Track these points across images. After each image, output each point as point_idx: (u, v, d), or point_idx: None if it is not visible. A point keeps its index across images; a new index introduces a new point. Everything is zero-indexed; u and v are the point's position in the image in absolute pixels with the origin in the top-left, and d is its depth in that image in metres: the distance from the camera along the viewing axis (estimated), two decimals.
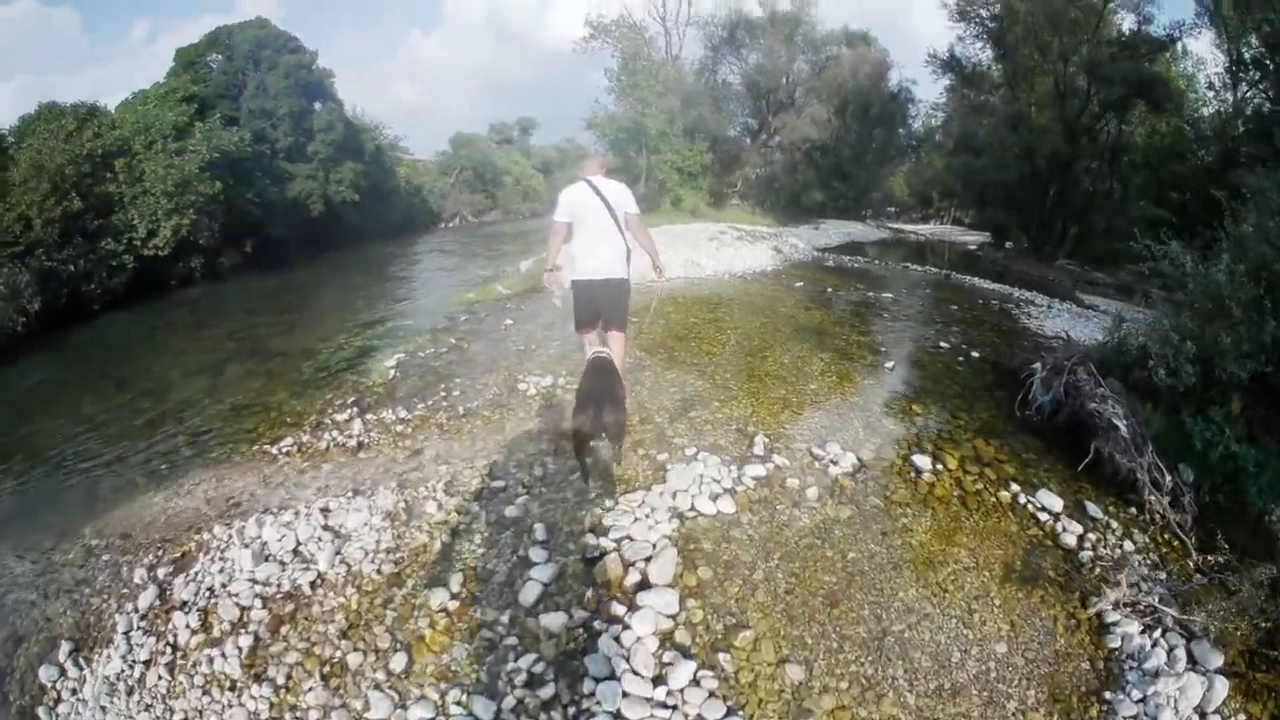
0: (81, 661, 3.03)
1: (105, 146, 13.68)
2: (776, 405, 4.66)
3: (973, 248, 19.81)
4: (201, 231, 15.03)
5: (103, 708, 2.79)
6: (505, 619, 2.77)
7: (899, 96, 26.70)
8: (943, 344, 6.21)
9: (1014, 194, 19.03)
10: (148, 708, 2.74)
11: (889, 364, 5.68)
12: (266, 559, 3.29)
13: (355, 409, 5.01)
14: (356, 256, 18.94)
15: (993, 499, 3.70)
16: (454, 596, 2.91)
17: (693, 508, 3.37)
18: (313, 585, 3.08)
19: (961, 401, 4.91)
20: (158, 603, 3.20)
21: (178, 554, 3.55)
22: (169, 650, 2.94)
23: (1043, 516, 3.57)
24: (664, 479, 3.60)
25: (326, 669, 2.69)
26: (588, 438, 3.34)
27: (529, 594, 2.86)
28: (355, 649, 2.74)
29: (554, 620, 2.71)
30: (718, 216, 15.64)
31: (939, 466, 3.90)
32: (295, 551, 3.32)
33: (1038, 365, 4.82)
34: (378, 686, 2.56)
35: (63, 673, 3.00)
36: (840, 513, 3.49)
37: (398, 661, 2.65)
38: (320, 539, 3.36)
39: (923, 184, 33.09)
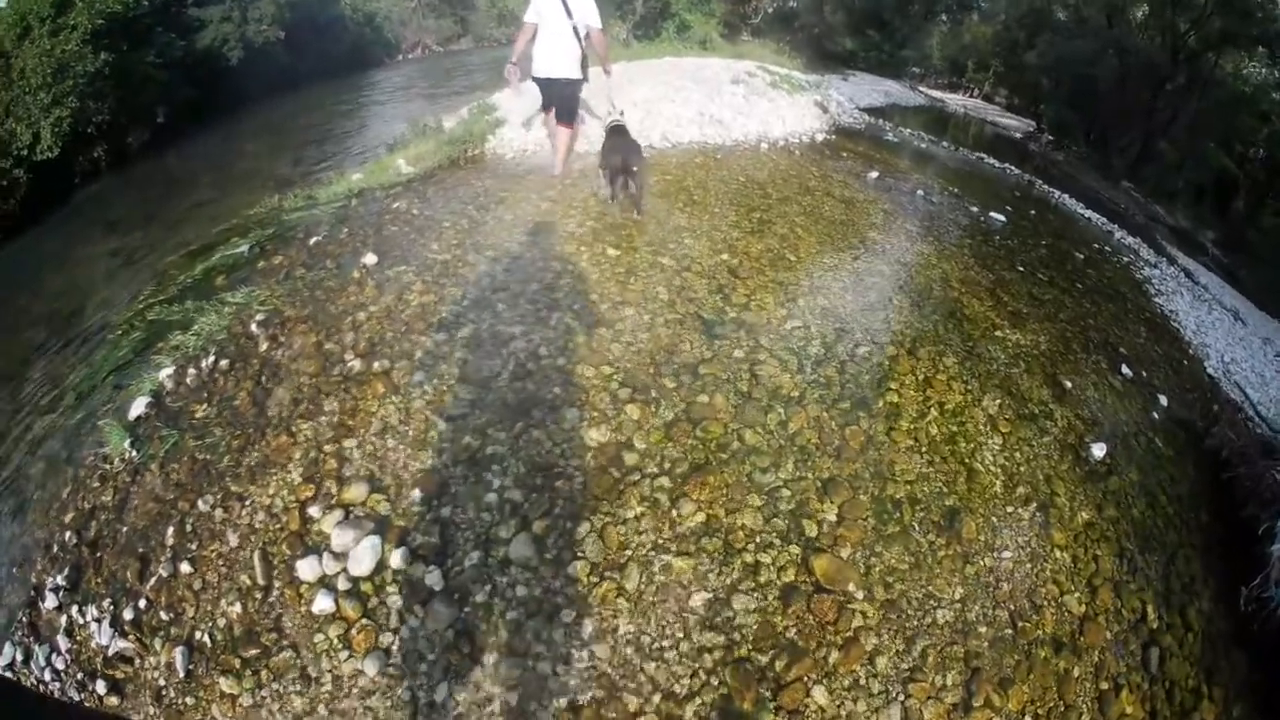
0: None
1: None
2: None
3: (1018, 136, 17.17)
4: (89, 117, 12.36)
5: None
6: None
7: None
8: (1124, 369, 4.15)
9: (1094, 93, 16.54)
10: None
11: (1098, 449, 3.29)
12: None
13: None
14: (283, 106, 15.69)
15: None
16: None
17: None
18: None
19: (1185, 564, 3.04)
20: None
21: None
22: None
23: None
24: None
25: None
26: (619, 174, 4.01)
27: None
28: None
29: None
30: (736, 52, 11.98)
31: None
32: None
33: (1277, 533, 3.06)
34: None
35: None
36: None
37: None
38: None
39: (958, 50, 28.58)
